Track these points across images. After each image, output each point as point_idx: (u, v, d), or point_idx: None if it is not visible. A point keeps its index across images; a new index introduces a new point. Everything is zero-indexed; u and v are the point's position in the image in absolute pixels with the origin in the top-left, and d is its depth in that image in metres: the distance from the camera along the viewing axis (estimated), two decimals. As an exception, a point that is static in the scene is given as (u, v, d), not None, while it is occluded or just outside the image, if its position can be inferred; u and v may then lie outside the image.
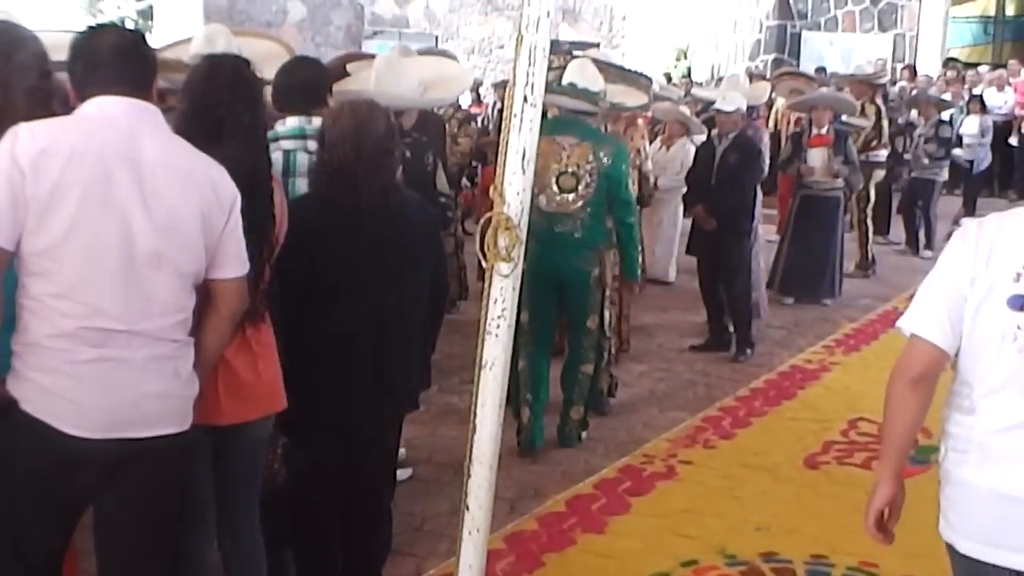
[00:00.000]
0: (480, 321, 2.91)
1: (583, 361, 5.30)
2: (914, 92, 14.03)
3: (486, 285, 2.85)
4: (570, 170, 5.03)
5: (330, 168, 3.23)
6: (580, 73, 5.12)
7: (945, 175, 11.72)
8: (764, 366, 7.01)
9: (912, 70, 16.40)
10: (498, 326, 2.87)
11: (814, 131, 8.52)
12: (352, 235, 3.20)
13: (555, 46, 9.48)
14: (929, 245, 11.60)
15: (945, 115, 12.00)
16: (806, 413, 6.03)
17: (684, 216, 8.48)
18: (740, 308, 7.25)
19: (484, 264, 2.84)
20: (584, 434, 5.41)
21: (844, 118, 8.96)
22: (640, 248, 5.28)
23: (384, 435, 3.51)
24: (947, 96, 14.87)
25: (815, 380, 6.70)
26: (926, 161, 11.18)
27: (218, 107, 2.82)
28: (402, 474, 4.81)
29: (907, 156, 11.44)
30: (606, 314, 5.26)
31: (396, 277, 3.28)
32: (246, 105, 2.87)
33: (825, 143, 8.42)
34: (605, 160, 5.03)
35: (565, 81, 5.08)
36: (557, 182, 5.06)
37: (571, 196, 5.05)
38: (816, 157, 8.47)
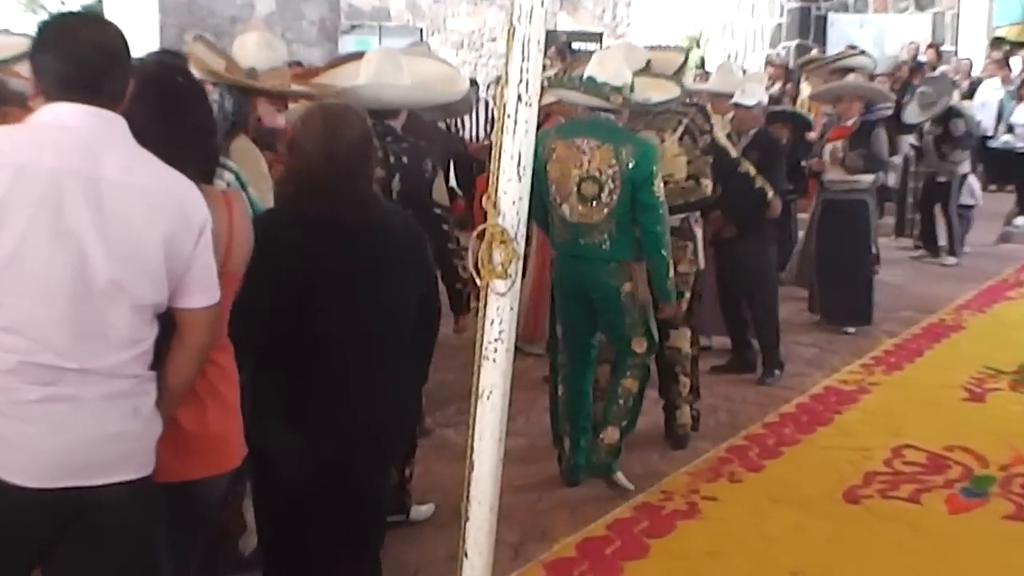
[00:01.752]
0: (476, 345, 2.94)
1: (625, 375, 5.34)
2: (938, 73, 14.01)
3: (481, 305, 2.88)
4: (592, 175, 5.07)
5: (298, 177, 3.24)
6: (600, 66, 5.12)
7: (966, 167, 11.57)
8: (794, 388, 7.01)
9: (936, 50, 16.35)
10: (495, 350, 2.90)
11: (843, 123, 8.55)
12: (324, 251, 3.19)
13: (552, 37, 9.61)
14: (953, 251, 11.63)
15: (957, 99, 12.01)
16: (843, 441, 6.03)
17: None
18: (766, 324, 7.27)
19: (478, 282, 2.86)
20: (617, 465, 5.38)
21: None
22: (668, 264, 5.22)
23: (373, 476, 3.48)
24: (994, 79, 14.87)
25: (852, 403, 6.71)
26: (939, 158, 11.22)
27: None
28: (419, 513, 4.86)
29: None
30: (652, 330, 5.28)
31: (377, 299, 3.26)
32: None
33: (841, 136, 8.42)
34: (629, 162, 5.02)
35: (585, 74, 5.12)
36: (579, 190, 5.11)
37: (595, 205, 5.09)
38: (830, 153, 8.49)
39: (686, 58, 6.15)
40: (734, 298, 7.34)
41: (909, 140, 11.94)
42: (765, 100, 7.45)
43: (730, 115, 7.35)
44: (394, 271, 3.30)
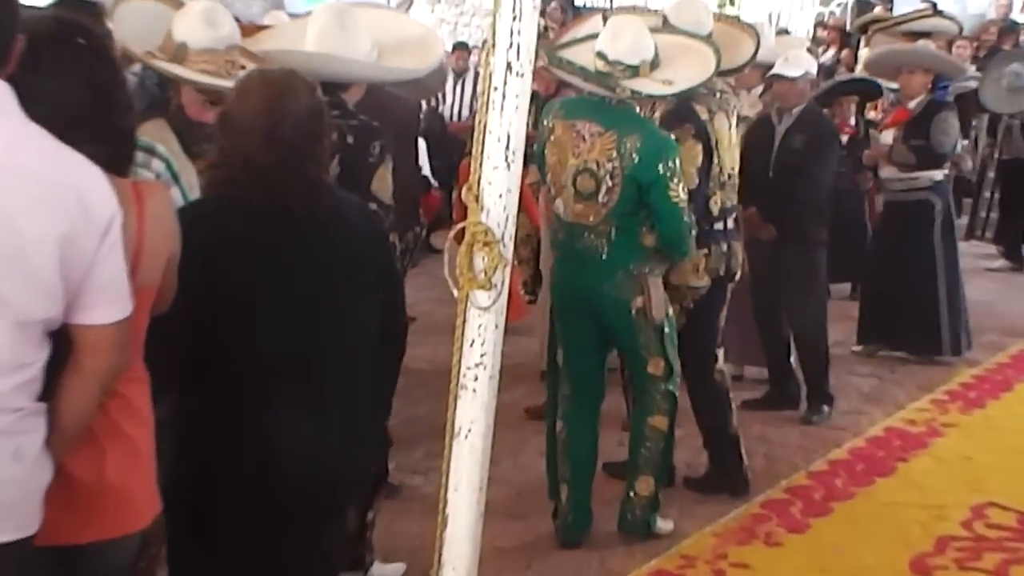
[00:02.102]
0: (452, 372, 2.96)
1: (651, 411, 5.40)
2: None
3: (460, 322, 2.90)
4: (589, 168, 5.13)
5: (232, 160, 3.23)
6: (612, 40, 5.10)
7: None
8: (848, 429, 7.02)
9: None
10: (476, 378, 2.92)
11: (907, 103, 8.53)
12: (263, 250, 3.20)
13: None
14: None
15: None
16: (911, 496, 6.04)
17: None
18: (812, 348, 7.29)
19: (456, 293, 2.89)
20: (657, 519, 5.47)
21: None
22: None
23: (318, 531, 3.45)
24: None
25: (922, 449, 6.70)
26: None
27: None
28: (383, 572, 4.91)
29: None
30: (670, 352, 5.33)
31: (329, 309, 3.27)
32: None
33: (901, 120, 8.44)
34: (633, 156, 5.04)
35: (596, 48, 5.12)
36: (575, 183, 5.18)
37: (591, 203, 5.15)
38: (885, 142, 8.50)
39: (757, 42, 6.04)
40: (773, 315, 7.37)
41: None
42: (813, 71, 7.46)
43: (756, 90, 7.50)
44: (350, 275, 3.31)
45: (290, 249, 3.22)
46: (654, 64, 5.13)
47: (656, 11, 6.22)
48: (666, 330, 5.30)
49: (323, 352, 3.26)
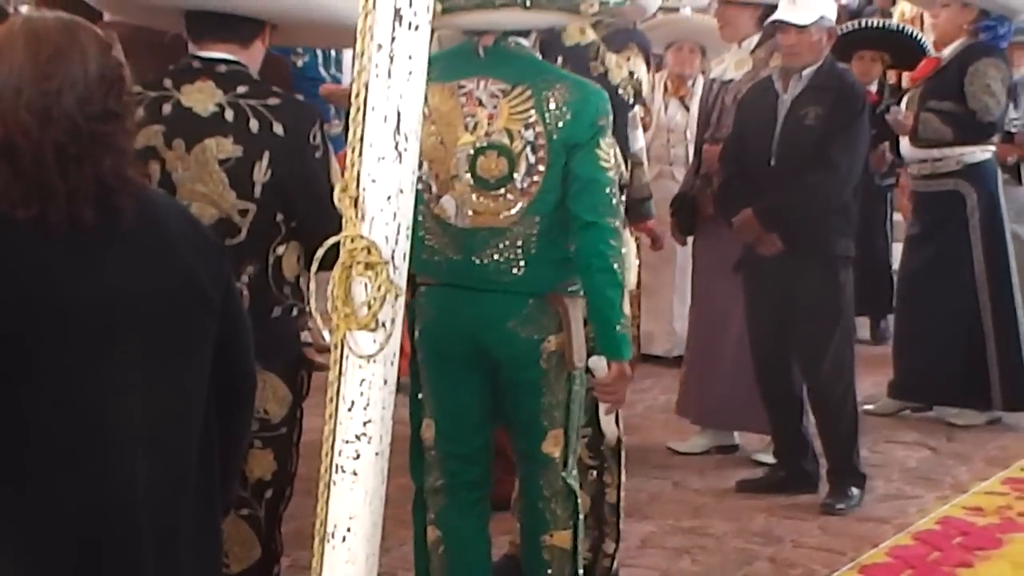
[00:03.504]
0: (322, 449, 2.98)
1: (549, 526, 5.23)
2: None
3: (333, 376, 2.92)
4: (496, 143, 4.99)
5: None
6: None
7: None
8: (888, 521, 7.01)
9: None
10: (357, 455, 2.92)
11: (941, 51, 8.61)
12: (35, 280, 3.12)
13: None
14: None
15: None
16: (980, 617, 6.17)
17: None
18: (834, 407, 7.28)
19: (327, 336, 2.92)
20: None
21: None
22: (622, 289, 5.18)
23: None
24: None
25: (994, 548, 6.61)
26: None
27: None
28: None
29: None
30: (575, 422, 5.19)
31: (136, 364, 3.21)
32: None
33: (925, 74, 8.53)
34: (562, 112, 4.97)
35: None
36: (473, 169, 5.02)
37: (501, 194, 5.00)
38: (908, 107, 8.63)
39: None
40: (779, 362, 7.35)
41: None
42: (832, 15, 7.41)
43: (749, 42, 7.53)
44: (168, 311, 3.27)
45: (75, 278, 3.15)
46: None
47: None
48: (575, 387, 5.16)
49: (128, 423, 3.20)
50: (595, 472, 5.86)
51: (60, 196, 3.07)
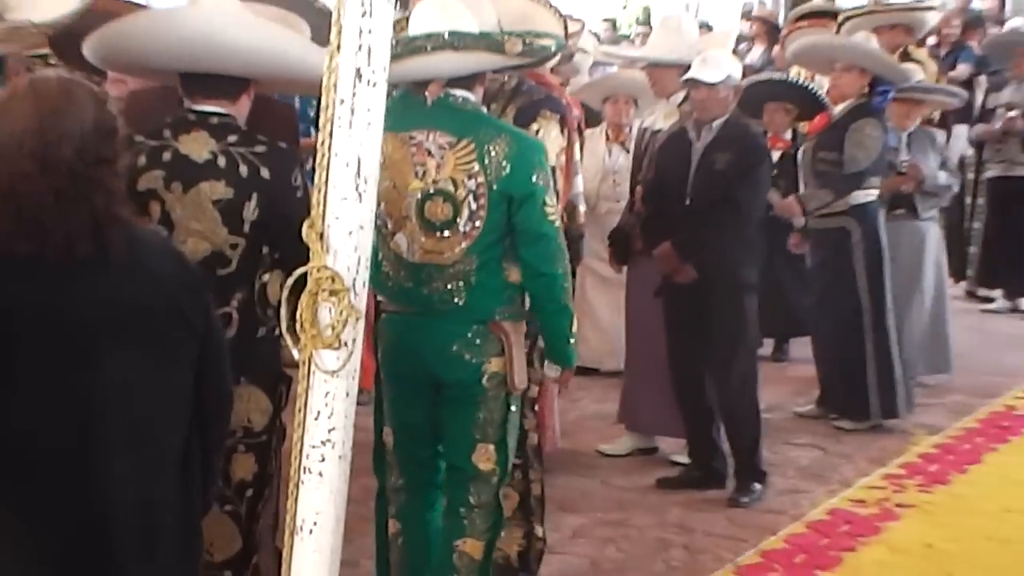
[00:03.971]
0: (292, 452, 2.99)
1: (464, 532, 5.19)
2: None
3: (301, 389, 2.95)
4: (442, 189, 5.00)
5: None
6: (442, 9, 5.01)
7: None
8: (785, 512, 7.12)
9: None
10: (322, 458, 2.95)
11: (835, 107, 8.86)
12: (32, 308, 3.22)
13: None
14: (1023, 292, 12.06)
15: None
16: (861, 594, 6.14)
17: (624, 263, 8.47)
18: (740, 413, 7.42)
19: (296, 354, 2.93)
20: None
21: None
22: (572, 317, 5.24)
23: None
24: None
25: (874, 535, 6.76)
26: (1018, 151, 11.64)
27: None
28: None
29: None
30: (509, 441, 5.21)
31: (124, 380, 3.30)
32: None
33: (818, 128, 8.79)
34: (501, 165, 4.98)
35: (414, 30, 5.00)
36: (421, 212, 5.02)
37: (447, 235, 5.02)
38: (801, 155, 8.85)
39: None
40: (694, 376, 7.47)
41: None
42: (737, 75, 7.55)
43: (676, 97, 7.66)
44: (149, 334, 3.35)
45: (64, 307, 3.24)
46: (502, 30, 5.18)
47: None
48: (513, 408, 5.16)
49: (115, 436, 3.29)
50: (520, 472, 5.86)
51: (59, 234, 3.17)
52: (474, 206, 4.98)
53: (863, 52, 9.01)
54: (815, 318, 8.98)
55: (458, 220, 4.98)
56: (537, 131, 5.78)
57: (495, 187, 4.95)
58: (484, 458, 5.11)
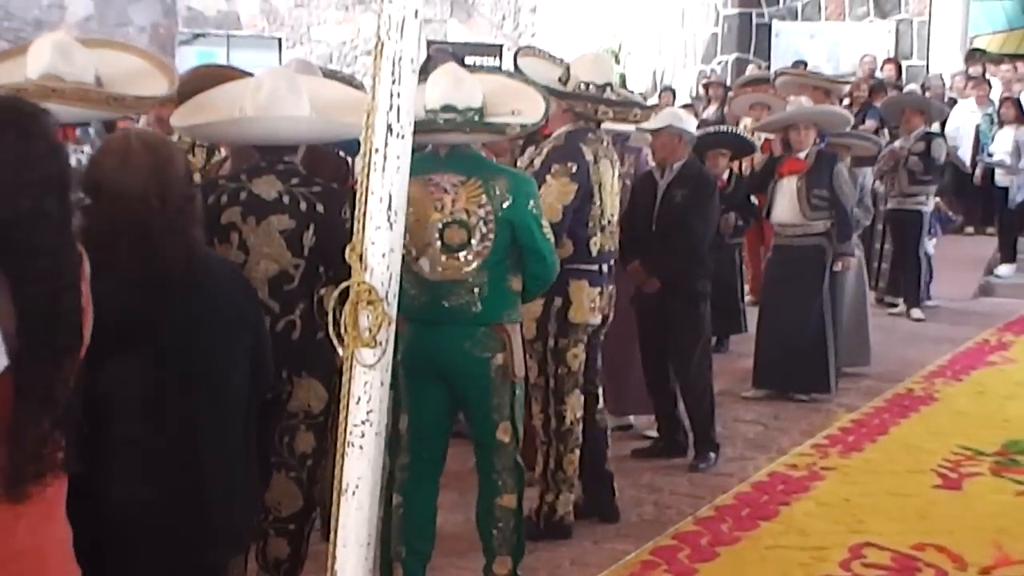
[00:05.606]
0: (338, 429, 3.02)
1: (500, 491, 5.20)
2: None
3: (345, 379, 2.95)
4: (458, 219, 5.02)
5: (117, 226, 3.25)
6: (456, 86, 5.05)
7: (931, 204, 12.21)
8: (734, 475, 7.13)
9: (896, 65, 16.64)
10: (363, 434, 2.96)
11: (797, 154, 8.91)
12: (151, 321, 3.25)
13: (440, 53, 9.59)
14: (917, 301, 12.10)
15: (936, 126, 12.65)
16: (793, 539, 6.12)
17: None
18: (697, 397, 7.43)
19: (341, 351, 2.93)
20: None
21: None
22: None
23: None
24: (968, 99, 15.24)
25: (804, 492, 6.80)
26: (906, 184, 11.75)
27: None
28: None
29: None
30: (518, 416, 5.19)
31: (210, 371, 3.35)
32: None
33: (798, 170, 8.80)
34: (504, 199, 5.04)
35: (436, 102, 5.01)
36: (442, 237, 5.03)
37: (464, 255, 5.04)
38: (784, 191, 8.86)
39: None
40: (661, 366, 7.49)
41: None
42: (692, 128, 7.66)
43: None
44: (222, 327, 3.41)
45: (173, 316, 3.29)
46: (491, 104, 5.16)
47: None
48: (518, 391, 5.17)
49: (205, 416, 3.33)
50: (546, 446, 6.05)
51: (167, 257, 3.24)
52: (484, 230, 5.02)
53: (827, 111, 9.78)
54: (782, 315, 8.91)
55: (472, 242, 5.01)
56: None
57: (500, 214, 5.01)
58: (504, 432, 5.13)
